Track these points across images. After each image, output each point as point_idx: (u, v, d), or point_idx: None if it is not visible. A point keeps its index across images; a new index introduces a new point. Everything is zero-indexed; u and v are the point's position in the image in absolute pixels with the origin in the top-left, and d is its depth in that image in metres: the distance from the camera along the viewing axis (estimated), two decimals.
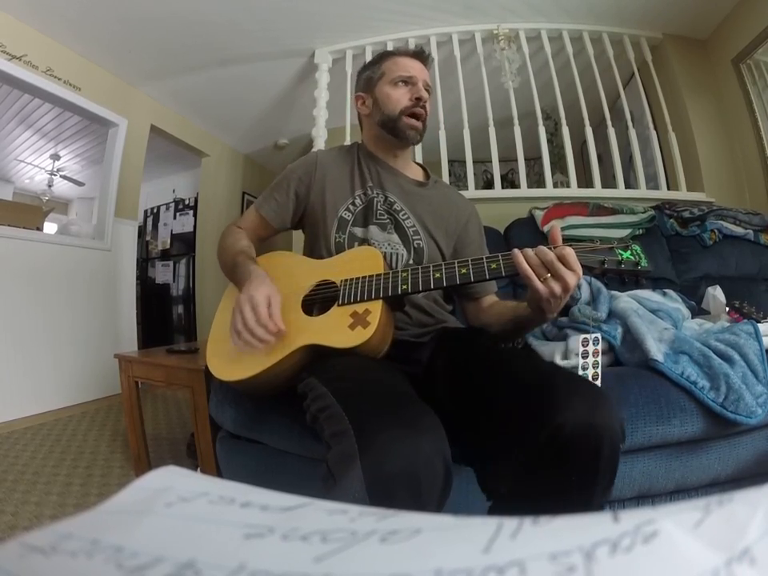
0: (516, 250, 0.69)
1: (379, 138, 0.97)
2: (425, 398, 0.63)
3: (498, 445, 0.61)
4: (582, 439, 0.54)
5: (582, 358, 0.92)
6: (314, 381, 0.67)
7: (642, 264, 0.69)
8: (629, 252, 0.70)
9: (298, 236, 1.21)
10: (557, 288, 0.66)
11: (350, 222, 0.92)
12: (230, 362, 0.80)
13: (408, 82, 0.93)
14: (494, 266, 0.72)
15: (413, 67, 0.94)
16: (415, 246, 0.93)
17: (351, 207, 0.94)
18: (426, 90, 0.94)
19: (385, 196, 0.94)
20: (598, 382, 0.89)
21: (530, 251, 0.68)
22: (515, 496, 0.59)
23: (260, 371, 0.75)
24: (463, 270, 0.73)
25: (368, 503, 0.44)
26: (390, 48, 2.36)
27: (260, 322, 0.72)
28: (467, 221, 1.00)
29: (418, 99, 0.91)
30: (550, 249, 0.67)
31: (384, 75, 0.95)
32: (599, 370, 0.91)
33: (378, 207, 0.93)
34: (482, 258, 0.73)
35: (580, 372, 0.90)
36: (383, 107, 0.94)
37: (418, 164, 1.06)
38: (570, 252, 0.66)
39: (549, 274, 0.66)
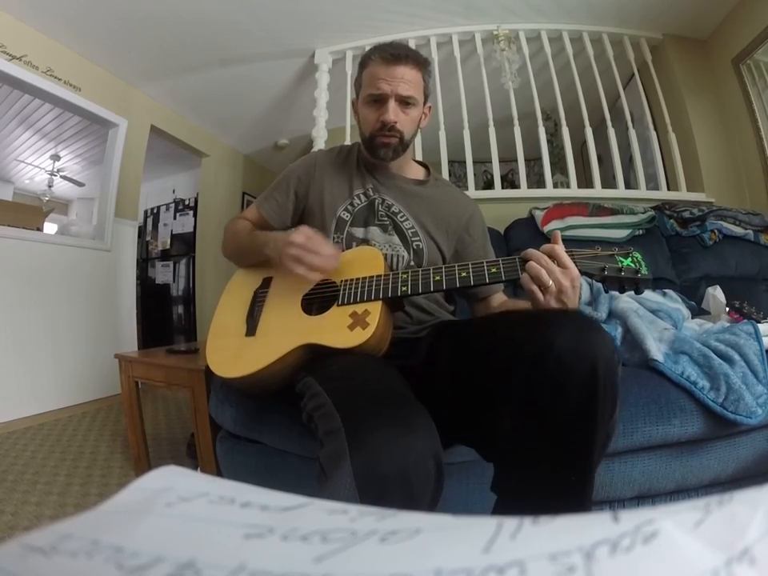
0: (524, 275, 0.69)
1: None
2: (423, 390, 0.63)
3: (500, 404, 0.61)
4: (573, 358, 0.54)
5: None
6: (310, 380, 0.67)
7: (643, 272, 0.69)
8: (629, 259, 0.71)
9: None
10: (553, 302, 0.67)
11: (349, 223, 0.93)
12: (229, 359, 0.80)
13: (378, 100, 0.88)
14: (494, 270, 0.72)
15: (384, 79, 0.86)
16: (414, 247, 0.93)
17: (350, 208, 0.94)
18: (406, 100, 0.87)
19: (383, 198, 0.94)
20: None
21: (533, 264, 0.68)
22: (518, 443, 0.59)
23: (259, 369, 0.75)
24: (463, 274, 0.73)
25: (358, 501, 0.44)
26: None
27: (321, 242, 0.76)
28: (469, 219, 0.99)
29: (384, 123, 0.87)
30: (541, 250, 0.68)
31: (362, 88, 0.91)
32: None
33: (379, 209, 0.94)
34: (483, 263, 0.74)
35: None
36: (361, 125, 0.93)
37: (418, 162, 1.05)
38: (558, 248, 0.67)
39: (551, 282, 0.67)
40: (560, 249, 0.68)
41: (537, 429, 0.57)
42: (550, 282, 0.66)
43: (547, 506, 0.57)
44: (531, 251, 0.70)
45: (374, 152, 0.92)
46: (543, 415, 0.56)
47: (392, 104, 0.87)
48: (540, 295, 0.67)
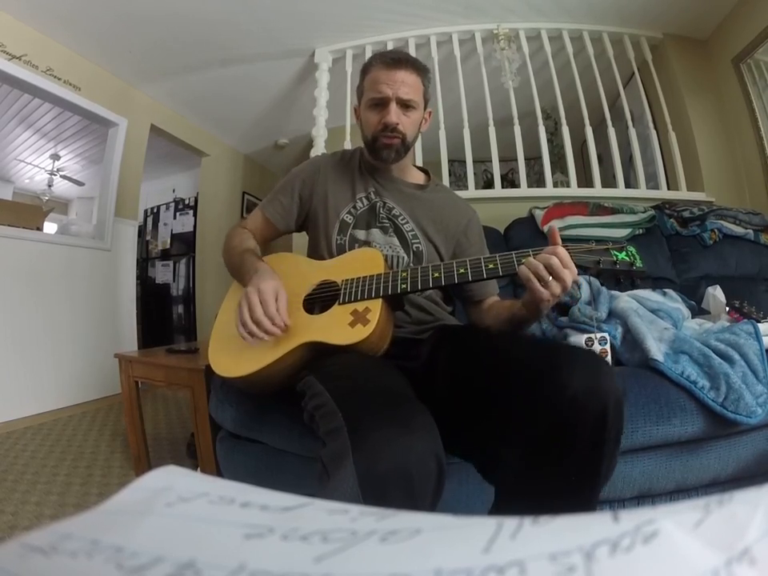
0: (522, 267, 0.70)
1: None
2: (424, 395, 0.63)
3: (504, 426, 0.62)
4: (586, 401, 0.55)
5: None
6: (312, 379, 0.67)
7: (637, 265, 0.71)
8: (624, 253, 0.72)
9: (298, 238, 1.22)
10: (557, 289, 0.68)
11: (351, 225, 0.94)
12: (231, 358, 0.80)
13: (379, 103, 0.89)
14: (491, 265, 0.73)
15: (385, 83, 0.87)
16: (414, 249, 0.94)
17: (353, 211, 0.95)
18: (407, 103, 0.89)
19: (384, 201, 0.96)
20: None
21: (531, 260, 0.69)
22: (523, 478, 0.59)
23: (261, 368, 0.75)
24: (461, 270, 0.75)
25: (360, 500, 0.44)
26: (390, 48, 2.36)
27: (267, 314, 0.73)
28: (467, 225, 1.00)
29: (386, 125, 0.88)
30: (541, 250, 0.69)
31: (364, 93, 0.93)
32: None
33: (380, 211, 0.95)
34: (480, 258, 0.75)
35: None
36: (363, 129, 0.95)
37: (419, 168, 1.07)
38: (561, 250, 0.68)
39: (550, 278, 0.67)
40: (562, 250, 0.68)
41: (543, 465, 0.58)
42: (549, 278, 0.67)
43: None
44: (529, 260, 0.70)
45: (376, 153, 0.93)
46: (551, 453, 0.57)
47: (393, 106, 0.88)
48: (537, 285, 0.68)
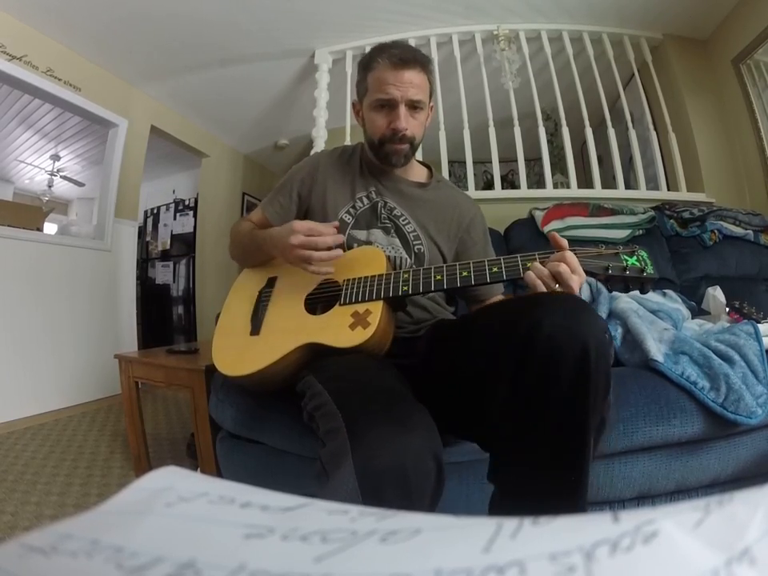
0: (529, 272, 0.68)
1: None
2: (422, 389, 0.64)
3: (492, 386, 0.61)
4: (564, 339, 0.54)
5: None
6: (311, 379, 0.67)
7: (648, 271, 0.68)
8: (634, 258, 0.69)
9: None
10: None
11: (350, 225, 0.93)
12: (234, 357, 0.81)
13: (387, 105, 0.86)
14: (495, 269, 0.71)
15: (393, 84, 0.84)
16: (416, 250, 0.93)
17: (352, 210, 0.94)
18: (415, 104, 0.87)
19: (385, 201, 0.95)
20: None
21: (539, 266, 0.67)
22: (511, 427, 0.58)
23: (262, 367, 0.75)
24: (464, 273, 0.73)
25: (359, 499, 0.44)
26: None
27: (319, 232, 0.76)
28: (470, 223, 0.99)
29: (395, 131, 0.86)
30: (550, 254, 0.68)
31: (368, 92, 0.89)
32: None
33: (382, 212, 0.94)
34: (484, 262, 0.73)
35: None
36: (368, 130, 0.92)
37: (422, 163, 1.04)
38: (570, 256, 0.66)
39: (557, 285, 0.66)
40: (571, 256, 0.66)
41: (529, 411, 0.56)
42: (556, 286, 0.66)
43: (543, 496, 0.57)
44: (535, 265, 0.69)
45: (384, 159, 0.91)
46: (534, 396, 0.56)
47: (402, 110, 0.85)
48: (544, 290, 0.67)
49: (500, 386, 0.59)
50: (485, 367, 0.62)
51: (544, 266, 0.67)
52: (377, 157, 0.93)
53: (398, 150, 0.89)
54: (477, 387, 0.64)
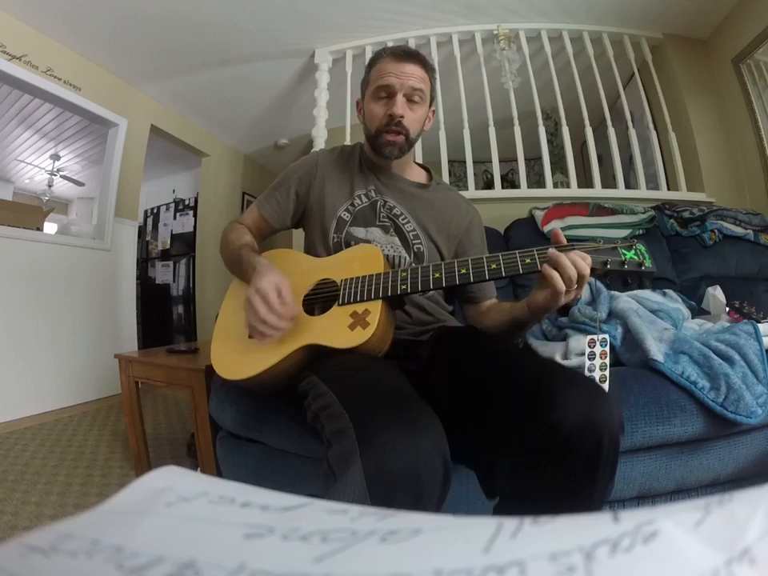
0: (555, 274, 0.67)
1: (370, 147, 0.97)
2: (424, 397, 0.63)
3: (497, 441, 0.61)
4: (581, 434, 0.54)
5: (589, 359, 0.92)
6: (315, 379, 0.67)
7: (647, 264, 0.68)
8: (632, 252, 0.69)
9: (298, 234, 1.21)
10: (572, 293, 0.68)
11: (349, 223, 0.93)
12: (234, 361, 0.80)
13: (385, 93, 0.88)
14: (493, 266, 0.71)
15: (394, 73, 0.86)
16: (415, 250, 0.92)
17: (350, 208, 0.94)
18: (414, 96, 0.88)
19: (385, 200, 0.94)
20: (606, 385, 0.89)
21: (566, 263, 0.66)
22: (515, 494, 0.59)
23: (262, 370, 0.75)
24: (463, 270, 0.73)
25: (368, 501, 0.44)
26: None
27: (273, 311, 0.72)
28: (469, 225, 0.99)
29: (391, 117, 0.86)
30: (544, 249, 0.68)
31: (369, 84, 0.91)
32: (607, 372, 0.91)
33: (381, 210, 0.94)
34: (482, 258, 0.73)
35: (586, 373, 0.90)
36: (367, 122, 0.93)
37: (420, 165, 1.05)
38: (584, 257, 0.67)
39: (576, 285, 0.66)
40: (586, 258, 0.67)
41: (536, 482, 0.57)
42: (564, 287, 0.67)
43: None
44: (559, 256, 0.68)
45: (379, 149, 0.91)
46: (544, 474, 0.56)
47: (400, 98, 0.87)
48: (561, 285, 0.66)
49: (511, 450, 0.59)
50: (494, 424, 0.62)
51: (570, 260, 0.66)
52: (373, 148, 0.93)
53: (391, 140, 0.88)
54: (481, 428, 0.64)
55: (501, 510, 0.62)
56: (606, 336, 0.94)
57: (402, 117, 0.87)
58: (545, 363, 0.70)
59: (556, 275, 0.66)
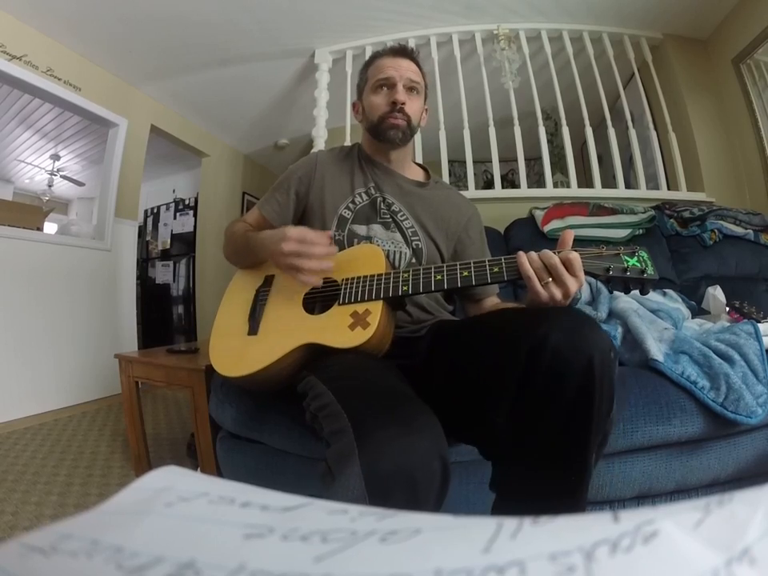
0: (521, 253, 0.68)
1: (371, 142, 0.99)
2: (423, 390, 0.63)
3: (495, 394, 0.61)
4: (570, 354, 0.54)
5: None
6: (313, 379, 0.67)
7: (649, 272, 0.67)
8: (635, 258, 0.68)
9: None
10: (557, 293, 0.66)
11: (350, 220, 0.93)
12: (232, 358, 0.80)
13: (385, 84, 0.92)
14: (496, 269, 0.71)
15: (392, 67, 0.92)
16: (414, 246, 0.93)
17: (351, 206, 0.95)
18: (412, 87, 0.92)
19: (384, 197, 0.95)
20: None
21: (533, 254, 0.68)
22: (514, 438, 0.59)
23: (261, 368, 0.75)
24: (465, 273, 0.73)
25: (367, 501, 0.44)
26: None
27: (315, 242, 0.74)
28: (467, 222, 1.00)
29: (394, 103, 0.90)
30: (554, 253, 0.67)
31: (368, 81, 0.96)
32: None
33: (381, 207, 0.94)
34: (485, 261, 0.73)
35: None
36: (368, 114, 0.95)
37: (418, 164, 1.06)
38: (575, 257, 0.65)
39: (550, 279, 0.66)
40: (575, 257, 0.66)
41: (532, 423, 0.57)
42: (549, 279, 0.66)
43: (543, 504, 0.57)
44: (531, 253, 0.69)
45: (383, 134, 0.93)
46: (538, 409, 0.57)
47: (401, 87, 0.91)
48: (536, 284, 0.66)
49: (503, 396, 0.60)
50: (488, 377, 0.63)
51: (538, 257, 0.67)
52: (375, 135, 0.95)
53: (396, 124, 0.91)
54: (479, 394, 0.64)
55: (503, 467, 0.63)
56: None
57: (404, 103, 0.90)
58: (535, 307, 0.69)
59: (528, 273, 0.67)
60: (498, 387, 0.61)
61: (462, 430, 0.68)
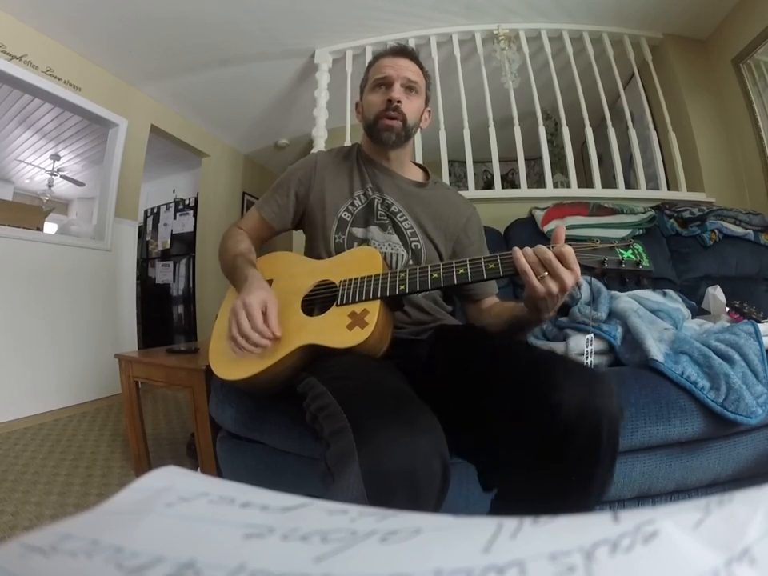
0: (516, 248, 0.68)
1: (369, 142, 0.99)
2: (423, 396, 0.63)
3: (496, 432, 0.61)
4: (579, 419, 0.54)
5: (586, 358, 0.92)
6: (313, 380, 0.67)
7: (644, 264, 0.68)
8: (630, 251, 0.69)
9: (299, 236, 1.21)
10: (554, 287, 0.66)
11: (350, 223, 0.93)
12: (231, 361, 0.80)
13: (383, 83, 0.93)
14: (491, 266, 0.71)
15: (391, 66, 0.92)
16: (413, 247, 0.93)
17: (351, 208, 0.94)
18: (410, 86, 0.92)
19: (383, 198, 0.95)
20: None
21: (528, 249, 0.68)
22: (514, 486, 0.59)
23: (260, 371, 0.75)
24: (461, 271, 0.73)
25: (366, 501, 0.44)
26: None
27: (255, 328, 0.72)
28: (466, 222, 1.00)
29: (389, 101, 0.90)
30: (549, 247, 0.67)
31: (368, 81, 0.96)
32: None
33: (379, 208, 0.94)
34: (480, 258, 0.73)
35: None
36: (366, 113, 0.96)
37: (418, 165, 1.06)
38: (568, 250, 0.65)
39: (546, 273, 0.66)
40: (568, 250, 0.66)
41: (537, 472, 0.57)
42: (545, 273, 0.66)
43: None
44: (525, 248, 0.69)
45: (378, 135, 0.93)
46: (544, 463, 0.56)
47: (397, 85, 0.91)
48: (533, 279, 0.66)
49: (512, 442, 0.59)
50: (496, 424, 0.62)
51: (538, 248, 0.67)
52: (371, 136, 0.95)
53: (389, 125, 0.91)
54: (482, 434, 0.64)
55: (498, 506, 0.62)
56: (590, 335, 0.95)
57: (399, 101, 0.90)
58: (544, 353, 0.70)
59: (524, 268, 0.67)
60: (504, 432, 0.60)
61: (457, 447, 0.68)
